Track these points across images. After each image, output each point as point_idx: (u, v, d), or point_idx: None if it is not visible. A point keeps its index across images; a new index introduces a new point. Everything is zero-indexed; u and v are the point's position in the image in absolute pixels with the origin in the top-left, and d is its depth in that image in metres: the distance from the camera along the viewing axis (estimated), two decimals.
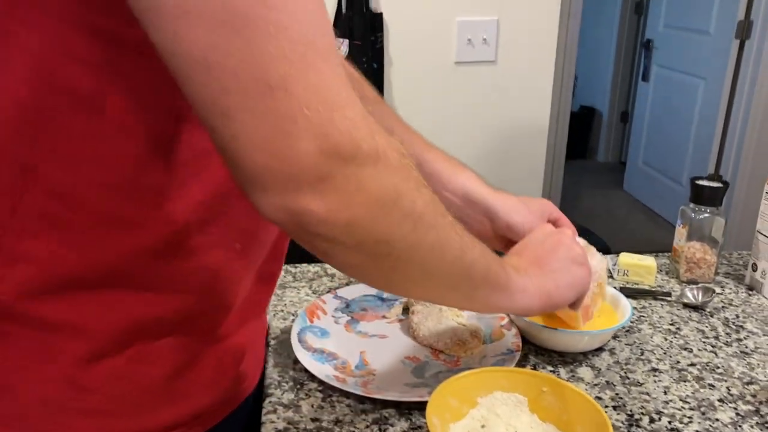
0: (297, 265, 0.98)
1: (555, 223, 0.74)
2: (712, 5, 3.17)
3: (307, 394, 0.68)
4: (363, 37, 1.76)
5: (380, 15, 1.79)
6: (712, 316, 0.87)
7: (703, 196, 0.93)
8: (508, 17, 1.88)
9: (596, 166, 4.75)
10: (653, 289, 0.94)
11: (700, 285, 0.93)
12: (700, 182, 0.94)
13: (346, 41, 1.70)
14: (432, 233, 0.46)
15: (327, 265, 0.99)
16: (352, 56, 1.70)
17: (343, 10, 1.74)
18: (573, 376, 0.72)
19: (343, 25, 1.73)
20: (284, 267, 0.88)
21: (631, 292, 0.92)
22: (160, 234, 0.46)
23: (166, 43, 0.36)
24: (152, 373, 0.50)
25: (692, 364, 0.75)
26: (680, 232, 0.96)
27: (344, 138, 0.37)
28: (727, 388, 0.71)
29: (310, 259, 0.90)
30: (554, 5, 1.91)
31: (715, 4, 3.15)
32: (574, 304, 0.67)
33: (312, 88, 0.36)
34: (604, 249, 1.85)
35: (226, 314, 0.54)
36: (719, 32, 3.13)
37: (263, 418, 0.64)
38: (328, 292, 0.89)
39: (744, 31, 2.96)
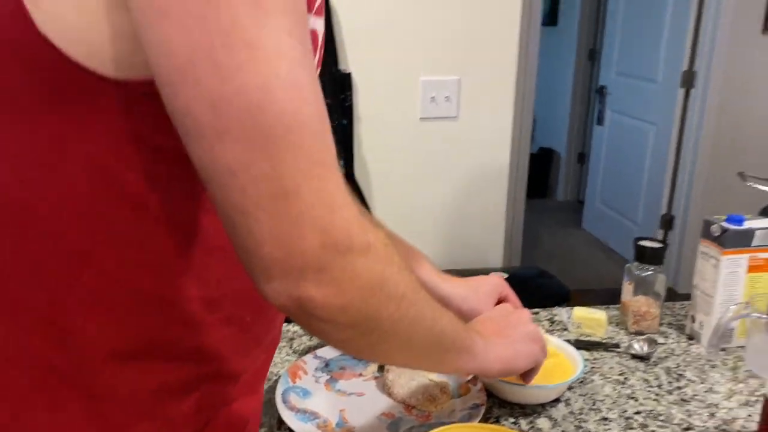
0: None
1: (505, 300, 0.86)
2: (658, 55, 3.37)
3: None
4: (333, 96, 1.85)
5: (349, 75, 1.89)
6: (656, 365, 0.96)
7: (645, 256, 1.04)
8: (468, 76, 2.00)
9: (556, 204, 4.92)
10: (604, 341, 1.03)
11: (645, 336, 1.02)
12: (643, 243, 1.04)
13: None
14: (412, 309, 0.53)
15: None
16: None
17: None
18: (532, 426, 0.80)
19: None
20: None
21: (584, 344, 1.01)
22: (186, 310, 0.53)
23: (202, 155, 0.43)
24: None
25: (638, 412, 0.84)
26: (627, 288, 1.06)
27: (342, 234, 0.45)
28: None
29: (289, 318, 0.97)
30: (511, 63, 2.04)
31: (662, 55, 3.35)
32: (527, 376, 0.76)
33: (318, 194, 0.44)
34: (564, 294, 1.96)
35: (236, 381, 0.60)
36: (666, 81, 3.33)
37: None
38: (308, 351, 0.95)
39: (688, 80, 3.17)
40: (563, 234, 4.32)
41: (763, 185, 1.05)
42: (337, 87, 1.86)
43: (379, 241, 0.49)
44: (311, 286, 0.45)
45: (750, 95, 3.09)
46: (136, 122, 0.47)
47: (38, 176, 0.48)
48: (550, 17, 4.76)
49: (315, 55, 0.49)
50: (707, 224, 1.00)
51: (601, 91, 3.99)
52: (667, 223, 3.40)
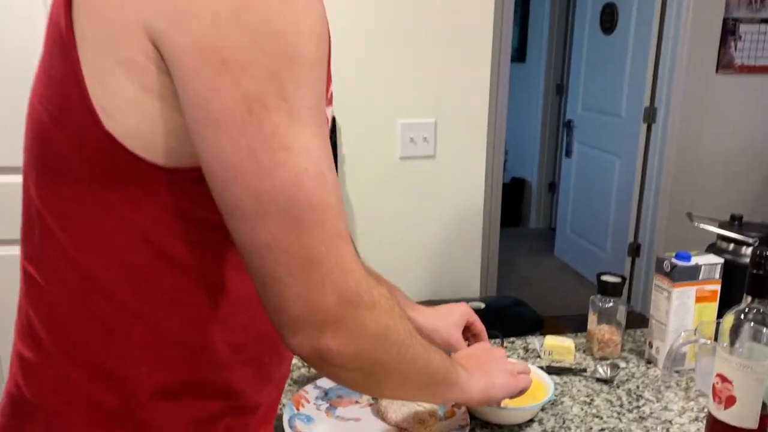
0: None
1: (472, 325, 0.98)
2: (622, 92, 3.56)
3: None
4: None
5: (333, 119, 2.02)
6: (618, 387, 1.08)
7: (607, 289, 1.16)
8: (444, 119, 2.15)
9: (528, 232, 5.08)
10: (573, 367, 1.15)
11: (609, 361, 1.14)
12: (605, 278, 1.16)
13: None
14: (410, 351, 0.63)
15: None
16: None
17: None
18: None
19: None
20: None
21: (555, 370, 1.12)
22: (215, 353, 0.62)
23: (244, 232, 0.52)
24: None
25: (602, 430, 0.95)
26: (592, 317, 1.18)
27: (353, 292, 0.54)
28: None
29: None
30: (483, 101, 2.18)
31: (624, 91, 3.54)
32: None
33: (336, 260, 0.53)
34: (538, 322, 2.08)
35: (255, 413, 0.70)
36: (629, 116, 3.51)
37: None
38: (307, 381, 1.05)
39: (649, 115, 3.35)
40: (536, 261, 4.46)
41: (708, 224, 1.19)
42: None
43: (383, 296, 0.59)
44: (329, 337, 0.54)
45: (706, 130, 3.29)
46: (181, 200, 0.57)
47: (99, 247, 0.58)
48: (519, 54, 4.97)
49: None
50: (659, 261, 1.13)
51: (569, 125, 4.16)
52: (635, 251, 3.55)
